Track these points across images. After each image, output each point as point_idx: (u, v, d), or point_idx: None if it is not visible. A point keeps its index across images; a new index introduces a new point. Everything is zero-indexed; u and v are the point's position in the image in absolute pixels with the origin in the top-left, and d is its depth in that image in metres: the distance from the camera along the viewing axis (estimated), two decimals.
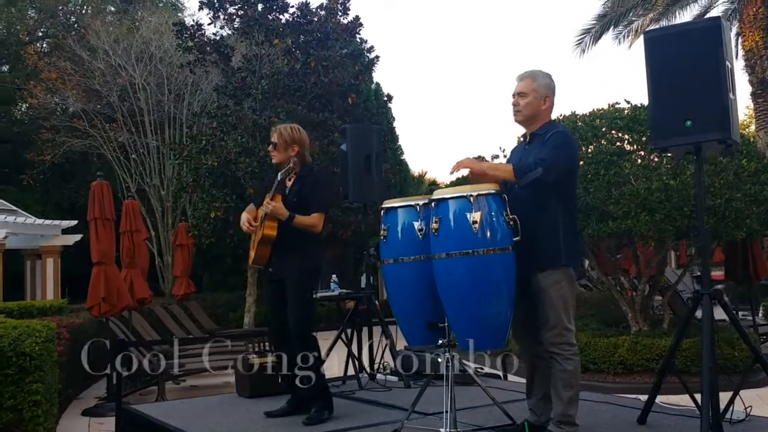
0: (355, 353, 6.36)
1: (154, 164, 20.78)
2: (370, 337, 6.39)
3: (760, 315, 15.51)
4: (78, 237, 17.53)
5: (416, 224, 4.17)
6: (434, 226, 3.87)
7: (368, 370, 6.39)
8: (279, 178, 4.96)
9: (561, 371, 3.95)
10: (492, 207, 3.84)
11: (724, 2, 20.42)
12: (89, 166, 21.88)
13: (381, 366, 6.42)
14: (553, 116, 4.38)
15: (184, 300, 15.00)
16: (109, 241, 9.57)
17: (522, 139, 4.44)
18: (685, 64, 4.02)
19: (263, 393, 5.81)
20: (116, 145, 20.77)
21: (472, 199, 3.80)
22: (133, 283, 11.10)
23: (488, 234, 3.78)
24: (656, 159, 9.17)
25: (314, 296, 5.09)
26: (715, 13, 22.98)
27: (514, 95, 4.24)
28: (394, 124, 23.49)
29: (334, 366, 6.43)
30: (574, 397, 3.99)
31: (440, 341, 4.05)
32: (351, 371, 6.42)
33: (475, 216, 3.77)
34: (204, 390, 10.25)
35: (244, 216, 5.13)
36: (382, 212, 4.33)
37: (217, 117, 16.89)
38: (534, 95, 4.18)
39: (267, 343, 12.86)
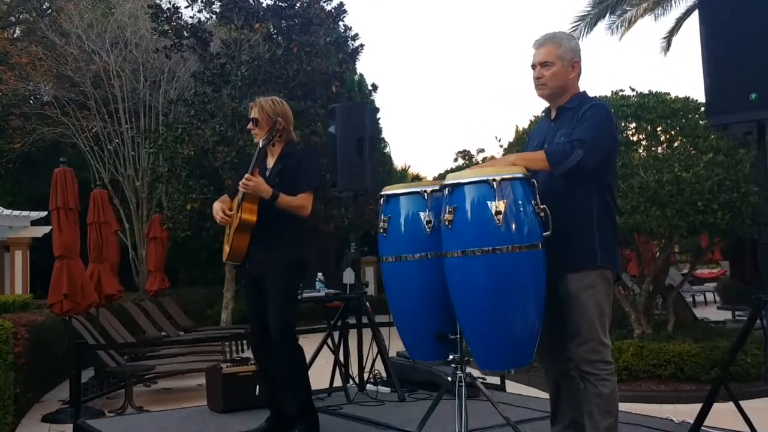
0: (343, 361, 5.64)
1: (128, 154, 20.05)
2: (360, 342, 5.68)
3: None
4: (48, 229, 16.71)
5: (423, 215, 3.46)
6: (447, 217, 3.16)
7: (357, 380, 5.69)
8: (261, 145, 4.24)
9: (596, 395, 3.27)
10: (518, 194, 3.15)
11: None
12: (61, 156, 20.85)
13: (372, 375, 5.72)
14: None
15: (158, 296, 14.45)
16: (72, 233, 8.81)
17: (544, 114, 3.73)
18: (748, 27, 3.34)
19: (238, 407, 5.09)
20: (89, 134, 20.02)
21: (495, 184, 3.10)
22: (100, 278, 10.44)
23: (514, 227, 3.10)
24: (667, 150, 8.55)
25: (299, 296, 4.40)
26: None
27: (534, 66, 3.56)
28: (378, 116, 22.92)
29: (318, 375, 5.74)
30: (613, 426, 3.30)
31: (451, 356, 3.36)
32: (338, 381, 5.70)
33: (499, 205, 3.07)
34: (176, 394, 9.52)
35: (217, 205, 4.41)
36: (381, 200, 3.63)
37: (195, 104, 16.35)
38: (560, 63, 3.49)
39: (245, 346, 12.19)
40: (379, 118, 22.72)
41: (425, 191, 3.51)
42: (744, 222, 8.23)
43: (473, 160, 21.16)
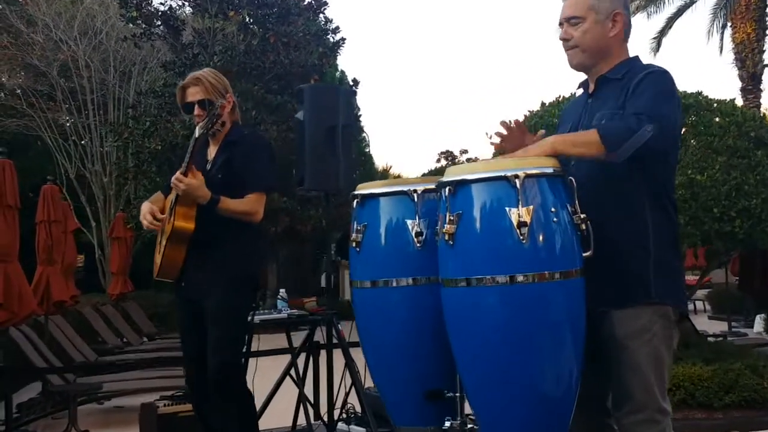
0: (309, 397, 4.69)
1: (95, 148, 19.11)
2: (330, 372, 4.74)
3: (758, 327, 14.16)
4: None
5: (411, 223, 2.50)
6: (448, 228, 2.20)
7: (325, 418, 4.73)
8: (197, 134, 3.27)
9: None
10: (550, 198, 2.20)
11: None
12: (26, 150, 20.13)
13: (344, 411, 4.77)
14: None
15: (120, 300, 13.45)
16: (10, 234, 7.78)
17: (582, 90, 2.77)
18: None
19: None
20: (55, 127, 19.10)
21: (517, 182, 2.14)
22: (49, 283, 9.43)
23: (543, 246, 2.16)
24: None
25: (247, 324, 3.46)
26: (703, 3, 21.83)
27: (561, 23, 2.62)
28: (359, 114, 22.06)
29: (280, 411, 4.79)
30: None
31: (447, 422, 2.41)
32: (303, 418, 4.75)
33: (523, 213, 2.12)
34: (129, 413, 8.48)
35: (146, 206, 3.45)
36: (354, 202, 2.64)
37: (164, 96, 15.41)
38: (594, 16, 2.55)
39: None
40: (360, 116, 21.89)
41: (414, 191, 2.53)
42: (764, 231, 7.39)
43: (456, 161, 20.36)
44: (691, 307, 20.40)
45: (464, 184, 2.21)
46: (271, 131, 14.40)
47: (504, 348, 2.15)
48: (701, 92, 8.46)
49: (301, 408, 4.70)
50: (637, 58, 2.63)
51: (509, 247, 2.13)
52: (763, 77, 18.60)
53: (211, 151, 3.51)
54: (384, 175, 31.02)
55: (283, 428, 4.78)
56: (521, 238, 2.11)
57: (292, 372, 4.65)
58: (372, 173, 23.61)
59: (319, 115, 4.59)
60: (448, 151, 26.55)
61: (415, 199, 2.51)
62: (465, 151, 25.32)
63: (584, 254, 2.25)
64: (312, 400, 4.77)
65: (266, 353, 4.91)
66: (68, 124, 19.02)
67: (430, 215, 2.46)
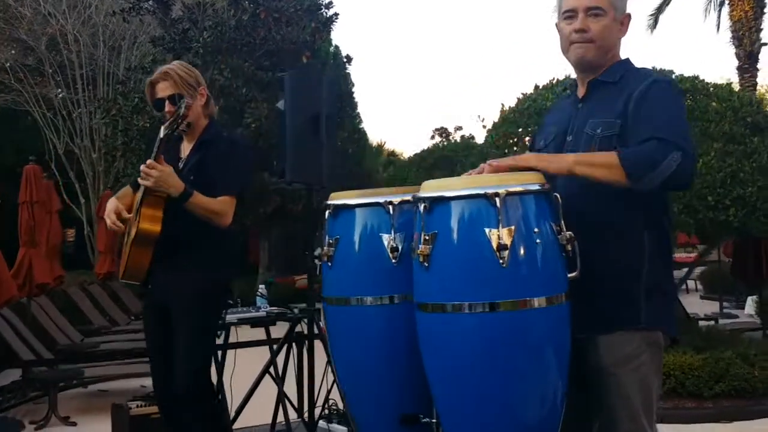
0: (290, 394, 4.55)
1: (84, 124, 18.86)
2: (312, 368, 4.60)
3: (749, 310, 14.10)
4: None
5: (386, 238, 2.32)
6: (423, 249, 2.04)
7: (306, 416, 4.60)
8: (162, 135, 3.08)
9: None
10: (533, 217, 2.04)
11: None
12: (15, 124, 19.88)
13: (326, 408, 4.64)
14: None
15: (107, 279, 13.24)
16: None
17: (568, 92, 2.60)
18: None
19: None
20: (44, 102, 18.84)
21: (497, 200, 1.97)
22: (32, 265, 9.29)
23: (526, 268, 2.00)
24: None
25: (217, 331, 3.31)
26: None
27: (575, 12, 2.35)
28: (353, 90, 21.80)
29: (259, 408, 4.66)
30: None
31: None
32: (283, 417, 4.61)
33: (503, 235, 1.96)
34: (114, 398, 8.34)
35: (111, 204, 3.26)
36: (327, 213, 2.46)
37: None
38: (614, 14, 2.35)
39: None
40: (353, 91, 21.62)
41: (390, 202, 2.33)
42: (759, 220, 7.27)
43: (451, 138, 20.15)
44: (683, 287, 20.39)
45: (441, 201, 2.04)
46: (261, 109, 14.20)
47: (483, 378, 1.99)
48: (698, 76, 8.31)
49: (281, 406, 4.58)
50: (628, 60, 2.44)
51: (488, 271, 1.96)
52: (760, 56, 18.42)
53: (185, 148, 3.33)
54: (378, 150, 30.79)
55: (263, 425, 4.65)
56: (501, 261, 1.94)
57: (272, 370, 4.51)
58: (366, 150, 23.37)
59: (301, 103, 4.41)
60: (442, 128, 26.37)
61: (391, 212, 2.32)
62: (459, 128, 25.20)
63: (570, 275, 2.09)
64: (291, 398, 4.64)
65: (245, 344, 4.73)
66: (59, 96, 18.73)
67: (406, 228, 2.28)
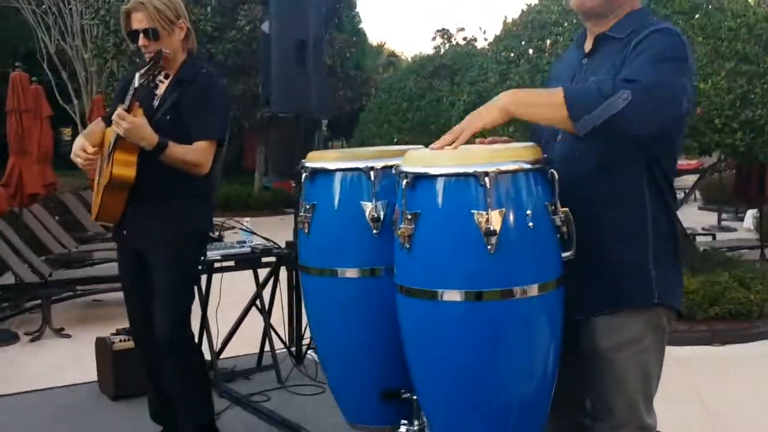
0: (277, 329, 4.46)
1: (75, 23, 18.27)
2: (299, 301, 4.50)
3: (748, 224, 14.01)
4: None
5: (367, 206, 2.12)
6: (404, 230, 1.86)
7: (293, 350, 4.51)
8: (137, 84, 2.85)
9: None
10: (525, 198, 1.83)
11: None
12: (5, 23, 19.33)
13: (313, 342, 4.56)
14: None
15: None
16: None
17: (574, 45, 2.33)
18: None
19: (133, 393, 3.93)
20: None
21: (487, 180, 1.77)
22: (22, 175, 9.11)
23: (516, 257, 1.81)
24: None
25: (197, 276, 3.17)
26: None
27: None
28: None
29: (244, 340, 4.58)
30: None
31: (404, 426, 2.15)
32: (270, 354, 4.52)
33: (492, 218, 1.76)
34: (107, 308, 8.28)
35: (79, 141, 3.05)
36: (303, 176, 2.25)
37: None
38: None
39: None
40: None
41: (371, 168, 2.12)
42: (765, 143, 7.04)
43: (452, 39, 19.56)
44: (681, 195, 20.23)
45: (424, 178, 1.84)
46: (255, 11, 13.70)
47: (465, 369, 1.85)
48: None
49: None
50: (644, 10, 2.15)
51: (474, 258, 1.78)
52: None
53: (161, 86, 3.10)
54: (378, 51, 30.10)
55: (250, 355, 4.58)
56: (489, 248, 1.76)
57: (258, 303, 4.41)
58: (366, 51, 22.82)
59: (287, 27, 4.12)
60: (444, 29, 25.59)
61: (372, 178, 2.11)
62: (462, 29, 24.44)
63: (564, 255, 1.91)
64: (279, 331, 4.56)
65: (230, 269, 4.55)
66: None
67: (388, 195, 2.08)
